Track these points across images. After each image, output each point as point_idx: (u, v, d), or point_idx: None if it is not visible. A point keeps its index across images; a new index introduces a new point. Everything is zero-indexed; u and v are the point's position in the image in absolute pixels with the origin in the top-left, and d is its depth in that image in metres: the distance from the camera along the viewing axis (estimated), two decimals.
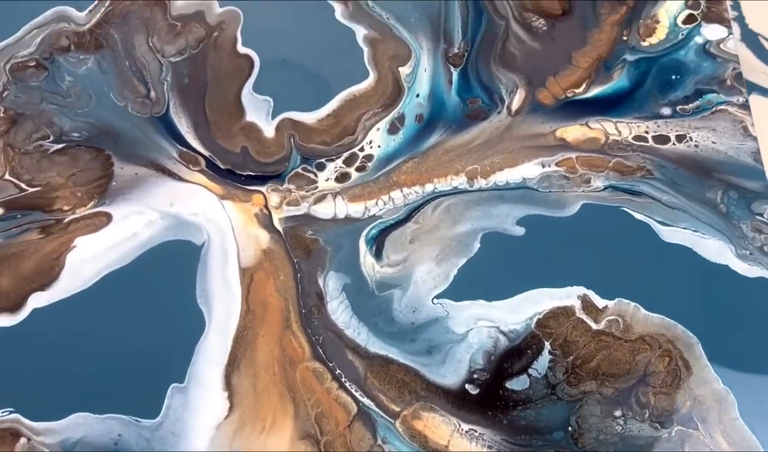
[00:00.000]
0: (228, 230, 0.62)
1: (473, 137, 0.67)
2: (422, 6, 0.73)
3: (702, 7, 0.73)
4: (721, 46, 0.71)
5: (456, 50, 0.71)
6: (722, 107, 0.69)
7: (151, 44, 0.70)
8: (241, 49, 0.71)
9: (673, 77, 0.70)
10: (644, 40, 0.72)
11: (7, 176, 0.64)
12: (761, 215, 0.63)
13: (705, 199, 0.64)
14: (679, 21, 0.73)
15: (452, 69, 0.70)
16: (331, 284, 0.61)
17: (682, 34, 0.72)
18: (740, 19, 0.82)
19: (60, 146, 0.65)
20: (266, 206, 0.64)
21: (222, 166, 0.65)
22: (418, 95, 0.68)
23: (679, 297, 0.61)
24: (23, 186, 0.63)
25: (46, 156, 0.65)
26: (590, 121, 0.68)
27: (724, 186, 0.64)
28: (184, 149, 0.66)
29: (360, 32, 0.72)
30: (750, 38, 0.82)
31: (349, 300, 0.60)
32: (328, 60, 0.71)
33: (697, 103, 0.69)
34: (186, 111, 0.67)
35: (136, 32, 0.71)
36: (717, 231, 0.63)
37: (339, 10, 0.73)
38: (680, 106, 0.68)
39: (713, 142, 0.66)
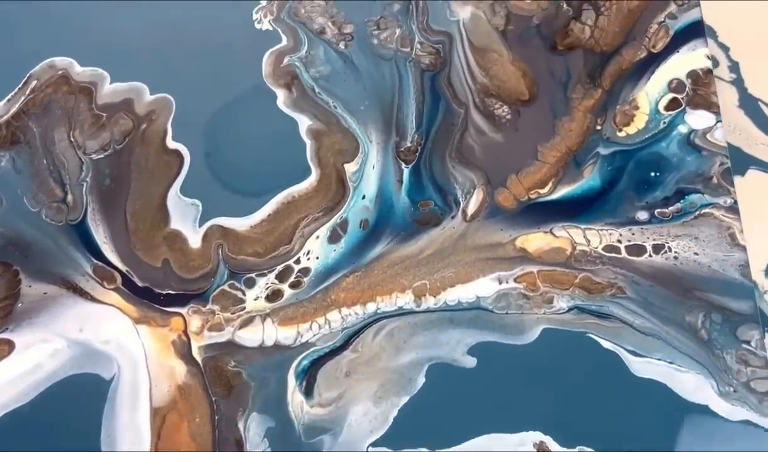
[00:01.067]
0: (141, 361, 0.54)
1: (423, 247, 0.58)
2: (374, 92, 0.63)
3: (687, 89, 0.64)
4: (708, 136, 0.62)
5: (408, 144, 0.62)
6: (707, 210, 0.59)
7: (72, 139, 0.62)
8: (171, 143, 0.62)
9: (652, 174, 0.61)
10: (620, 130, 0.63)
11: None
12: (748, 343, 0.54)
13: (684, 323, 0.56)
14: (661, 106, 0.63)
15: (403, 166, 0.61)
16: (253, 428, 0.52)
17: (664, 123, 0.62)
18: (739, 83, 0.72)
19: None
20: (185, 331, 0.55)
21: (140, 284, 0.57)
22: (364, 197, 0.60)
23: (652, 443, 0.54)
24: None
25: None
26: (555, 228, 0.58)
27: (706, 307, 0.55)
28: (100, 263, 0.57)
29: (303, 123, 0.63)
30: (749, 104, 0.73)
31: (272, 449, 0.51)
32: (267, 155, 0.62)
33: (678, 205, 0.59)
34: (105, 218, 0.59)
35: (57, 125, 0.63)
36: (696, 362, 0.54)
37: (282, 97, 0.64)
38: (659, 210, 0.59)
39: (695, 254, 0.57)
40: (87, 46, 0.67)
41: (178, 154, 0.62)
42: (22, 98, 0.65)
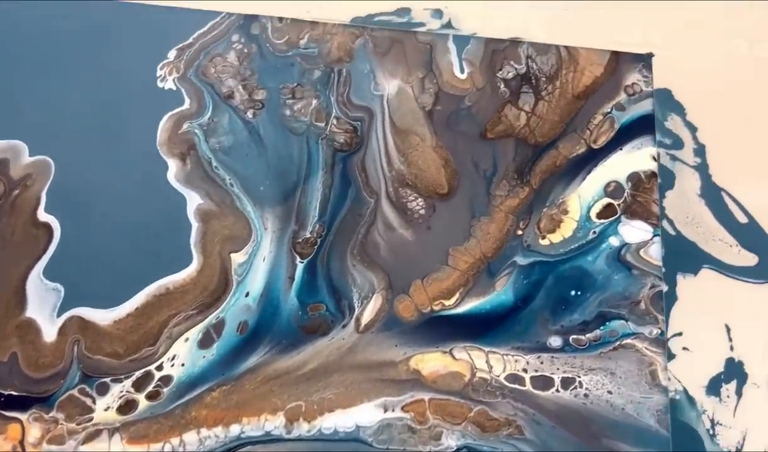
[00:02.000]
0: None
1: (306, 360, 0.50)
2: (277, 170, 0.55)
3: (626, 194, 0.55)
4: (642, 252, 0.54)
5: (308, 235, 0.54)
6: (629, 341, 0.51)
7: None
8: (43, 215, 0.54)
9: (573, 293, 0.52)
10: (544, 237, 0.54)
11: None
12: None
13: None
14: (594, 213, 0.55)
15: (298, 260, 0.53)
16: None
17: (594, 232, 0.54)
18: (703, 169, 0.65)
19: None
20: (22, 442, 0.47)
21: None
22: (247, 294, 0.52)
23: None
24: None
25: None
26: (456, 349, 0.50)
27: None
28: None
29: (193, 201, 0.55)
30: (711, 194, 0.67)
31: None
32: (147, 236, 0.54)
33: (597, 332, 0.51)
34: None
35: None
36: None
37: (173, 169, 0.56)
38: (574, 337, 0.51)
39: (609, 392, 0.49)
40: None
41: (47, 229, 0.55)
42: None
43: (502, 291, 0.54)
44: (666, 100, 0.72)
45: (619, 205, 0.57)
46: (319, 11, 0.70)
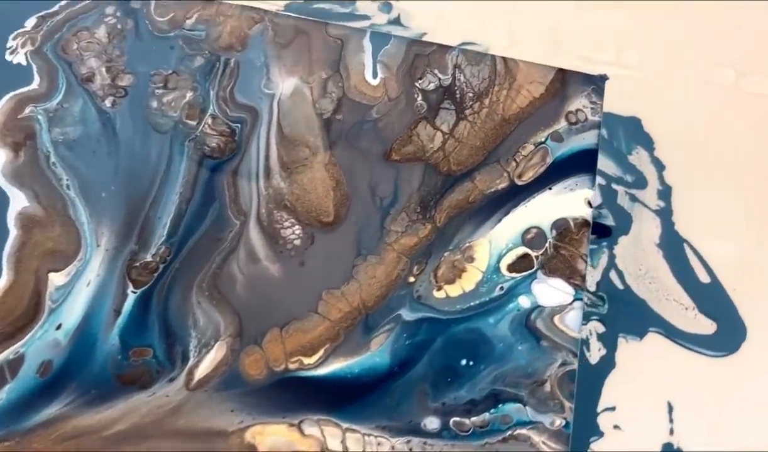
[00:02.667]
0: None
1: (116, 418, 0.38)
2: (128, 174, 0.43)
3: (547, 245, 0.43)
4: (557, 319, 0.41)
5: (149, 258, 0.41)
6: (524, 431, 0.39)
7: None
8: None
9: (464, 362, 0.40)
10: (440, 288, 0.42)
11: None
12: None
13: None
14: (504, 265, 0.43)
15: (131, 289, 0.41)
16: None
17: (501, 288, 0.42)
18: (665, 214, 0.59)
19: None
20: None
21: None
22: (59, 326, 0.40)
23: None
24: None
25: None
26: (306, 422, 0.39)
27: None
28: None
29: (18, 202, 0.43)
30: (672, 245, 0.59)
31: None
32: None
33: (486, 416, 0.39)
34: None
35: None
36: None
37: (2, 162, 0.43)
38: (457, 419, 0.39)
39: None
40: None
41: None
42: None
43: (377, 352, 0.42)
44: (633, 130, 0.62)
45: (537, 257, 0.45)
46: None
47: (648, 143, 0.61)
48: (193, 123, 0.49)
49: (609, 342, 0.54)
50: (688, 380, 0.54)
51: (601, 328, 0.54)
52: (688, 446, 0.51)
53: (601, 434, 0.51)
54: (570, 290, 0.46)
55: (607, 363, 0.54)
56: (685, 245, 0.58)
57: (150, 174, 0.48)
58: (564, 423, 0.42)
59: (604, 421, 0.52)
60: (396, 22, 0.61)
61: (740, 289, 0.55)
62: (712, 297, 0.57)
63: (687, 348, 0.55)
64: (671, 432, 0.52)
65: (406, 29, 0.62)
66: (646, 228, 0.59)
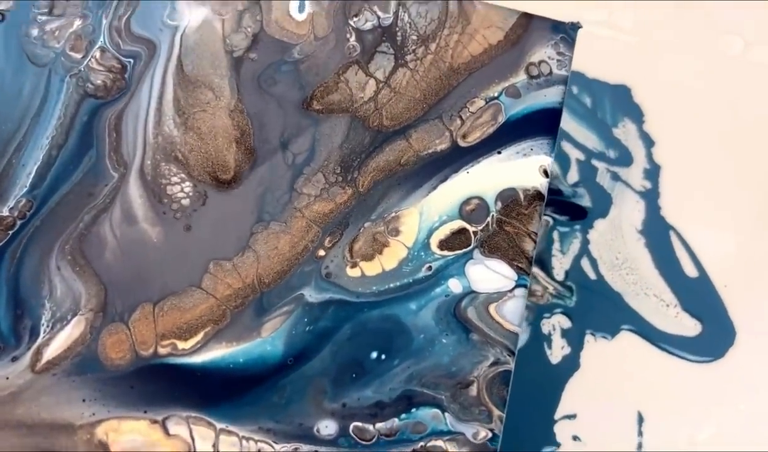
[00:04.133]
0: None
1: None
2: None
3: (488, 220, 0.35)
4: (493, 309, 0.36)
5: (5, 213, 0.35)
6: (439, 443, 0.34)
7: None
8: None
9: (374, 355, 0.35)
10: (354, 265, 0.37)
11: None
12: None
13: None
14: (435, 240, 0.36)
15: None
16: None
17: (429, 268, 0.37)
18: (651, 197, 0.59)
19: None
20: None
21: None
22: None
23: None
24: None
25: None
26: (173, 418, 0.32)
27: None
28: None
29: None
30: (657, 232, 0.56)
31: None
32: None
33: (395, 422, 0.36)
34: None
35: None
36: None
37: None
38: (358, 424, 0.37)
39: None
40: None
41: None
42: None
43: (268, 339, 0.35)
44: (621, 99, 0.58)
45: (476, 233, 0.37)
46: None
47: (637, 115, 0.57)
48: (78, 56, 0.42)
49: (574, 339, 0.51)
50: (664, 387, 0.51)
51: (567, 323, 0.49)
52: None
53: (557, 444, 0.48)
54: (512, 274, 0.38)
55: (571, 363, 0.51)
56: (672, 233, 0.55)
57: (19, 112, 0.40)
58: (490, 435, 0.34)
59: (561, 430, 0.50)
60: None
61: (732, 286, 0.49)
62: (698, 294, 0.53)
63: (665, 350, 0.52)
64: (639, 446, 0.46)
65: None
66: (627, 212, 0.55)
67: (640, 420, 0.47)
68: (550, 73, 0.44)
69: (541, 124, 0.43)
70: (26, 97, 0.42)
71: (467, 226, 0.41)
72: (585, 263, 0.52)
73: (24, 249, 0.39)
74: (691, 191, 0.54)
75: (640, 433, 0.47)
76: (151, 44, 0.44)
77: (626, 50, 0.59)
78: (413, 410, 0.37)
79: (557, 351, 0.48)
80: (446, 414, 0.37)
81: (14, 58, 0.43)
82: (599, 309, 0.50)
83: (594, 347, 0.50)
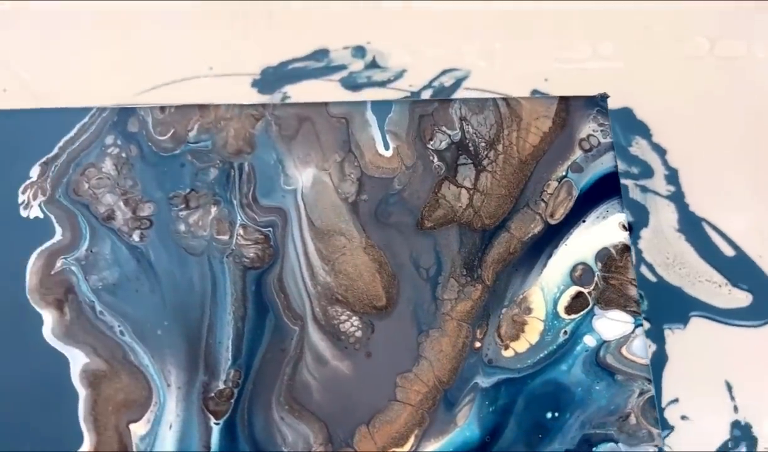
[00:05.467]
0: None
1: None
2: (176, 306, 0.46)
3: (596, 279, 0.47)
4: (624, 350, 0.46)
5: (221, 385, 0.45)
6: None
7: None
8: None
9: (549, 415, 0.44)
10: (506, 347, 0.46)
11: None
12: None
13: None
14: (561, 308, 0.47)
15: (212, 421, 0.44)
16: None
17: (565, 332, 0.47)
18: (678, 198, 0.63)
19: None
20: None
21: None
22: None
23: None
24: None
25: None
26: None
27: None
28: None
29: (77, 361, 0.46)
30: (691, 227, 0.64)
31: None
32: (23, 416, 0.44)
33: None
34: None
35: None
36: None
37: (50, 323, 0.46)
38: None
39: None
40: None
41: None
42: None
43: (465, 426, 0.46)
44: (627, 120, 0.66)
45: (590, 292, 0.49)
46: (223, 66, 0.62)
47: (644, 131, 0.65)
48: (226, 237, 0.53)
49: (656, 336, 0.58)
50: (739, 355, 0.59)
51: (647, 325, 0.58)
52: (755, 418, 0.55)
53: (671, 428, 0.54)
54: (629, 319, 0.50)
55: (660, 357, 0.58)
56: (704, 223, 0.63)
57: (198, 300, 0.51)
58: (657, 450, 0.47)
59: (670, 415, 0.56)
60: (373, 65, 0.65)
61: (766, 255, 0.60)
62: (740, 269, 0.62)
63: (729, 324, 0.60)
64: (735, 409, 0.56)
65: (384, 70, 0.65)
66: (663, 216, 0.63)
67: (729, 387, 0.59)
68: (599, 143, 0.57)
69: (607, 187, 0.56)
70: (198, 285, 0.53)
71: (582, 289, 0.53)
72: (644, 270, 0.63)
73: (249, 411, 0.50)
74: (708, 183, 0.64)
75: (732, 398, 0.59)
76: (280, 210, 0.56)
77: (616, 75, 0.70)
78: (594, 449, 0.49)
79: (648, 351, 0.60)
80: (619, 444, 0.49)
81: (174, 254, 0.54)
82: (667, 305, 0.61)
83: (673, 338, 0.61)
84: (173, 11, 0.69)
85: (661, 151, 0.65)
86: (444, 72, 0.67)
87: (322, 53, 0.68)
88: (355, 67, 0.67)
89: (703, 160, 0.64)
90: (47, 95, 0.67)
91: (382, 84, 0.70)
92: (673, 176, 0.64)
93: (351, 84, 0.70)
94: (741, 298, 0.62)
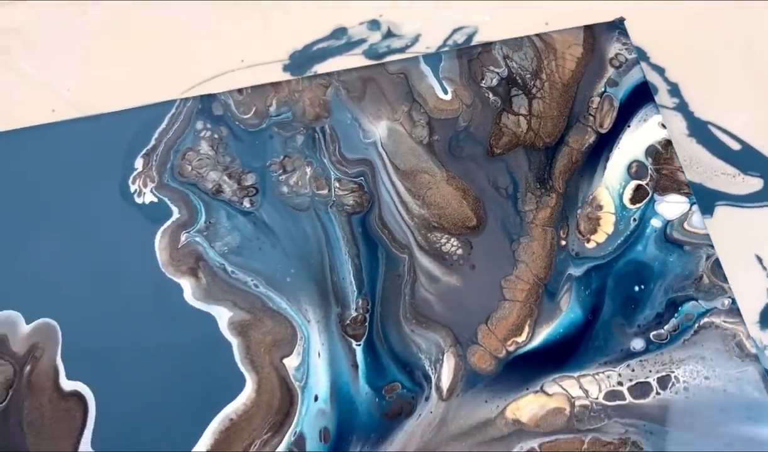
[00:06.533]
0: None
1: (402, 445, 0.50)
2: (297, 255, 0.55)
3: (650, 172, 0.57)
4: (686, 225, 0.56)
5: (354, 313, 0.54)
6: (706, 319, 0.54)
7: None
8: (67, 383, 0.52)
9: (637, 288, 0.55)
10: (588, 240, 0.56)
11: None
12: None
13: None
14: (627, 199, 0.57)
15: (354, 344, 0.53)
16: None
17: (635, 220, 0.57)
18: (683, 108, 0.68)
19: None
20: None
21: None
22: (316, 398, 0.52)
23: None
24: None
25: None
26: (546, 384, 0.52)
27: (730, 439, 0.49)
28: None
29: (222, 316, 0.54)
30: (699, 130, 0.71)
31: None
32: (185, 371, 0.52)
33: (674, 321, 0.54)
34: None
35: None
36: None
37: (189, 289, 0.54)
38: (654, 333, 0.53)
39: (706, 378, 0.51)
40: None
41: (78, 398, 0.53)
42: None
43: (568, 310, 0.56)
44: None
45: (647, 184, 0.60)
46: (254, 57, 0.69)
47: (642, 55, 0.75)
48: (325, 191, 0.62)
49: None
50: (762, 231, 0.68)
51: None
52: None
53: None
54: (684, 199, 0.61)
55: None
56: (709, 126, 0.72)
57: (315, 247, 0.60)
58: (731, 300, 0.58)
59: None
60: (390, 34, 0.75)
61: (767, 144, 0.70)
62: (748, 159, 0.71)
63: (749, 206, 0.69)
64: None
65: (400, 37, 0.75)
66: (674, 126, 0.72)
67: (759, 260, 0.70)
68: (626, 59, 0.68)
69: (640, 95, 0.67)
70: (312, 235, 0.63)
71: (640, 182, 0.64)
72: None
73: (383, 330, 0.60)
74: (707, 90, 0.74)
75: (764, 268, 0.70)
76: (366, 161, 0.65)
77: (610, 10, 0.80)
78: (680, 308, 0.60)
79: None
80: (699, 301, 0.60)
81: (285, 213, 0.63)
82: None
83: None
84: (198, 13, 0.76)
85: (660, 70, 0.74)
86: (455, 31, 0.76)
87: (340, 31, 0.77)
88: (373, 39, 0.75)
89: (697, 71, 0.74)
90: (94, 109, 0.71)
91: (402, 50, 0.77)
92: (674, 90, 0.73)
93: (373, 54, 0.77)
94: (754, 183, 0.70)
